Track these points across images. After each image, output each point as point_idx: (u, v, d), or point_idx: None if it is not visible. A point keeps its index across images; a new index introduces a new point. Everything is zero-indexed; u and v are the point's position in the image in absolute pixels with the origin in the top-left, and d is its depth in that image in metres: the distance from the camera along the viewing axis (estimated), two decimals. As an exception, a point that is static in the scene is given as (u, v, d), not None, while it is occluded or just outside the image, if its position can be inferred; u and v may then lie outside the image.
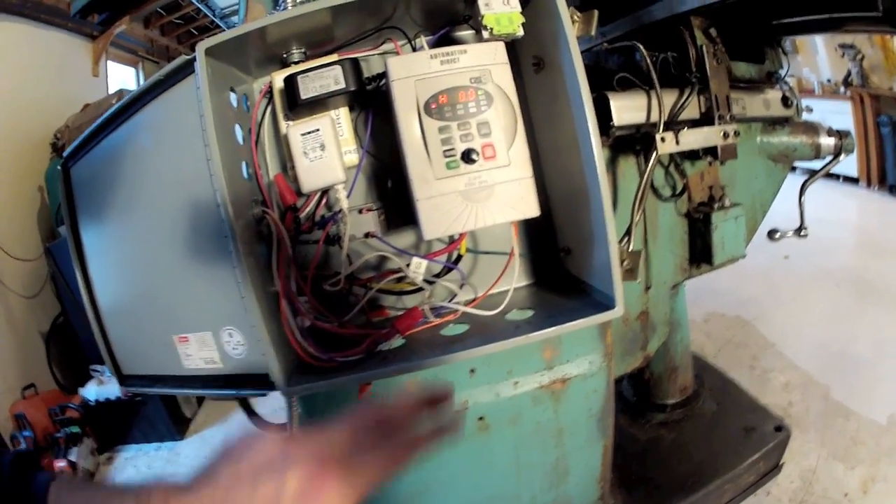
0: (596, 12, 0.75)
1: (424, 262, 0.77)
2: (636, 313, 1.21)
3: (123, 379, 1.03)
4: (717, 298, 2.78)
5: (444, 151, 0.68)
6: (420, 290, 0.80)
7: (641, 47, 1.01)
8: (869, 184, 4.34)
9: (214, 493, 0.40)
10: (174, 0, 5.30)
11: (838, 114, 4.27)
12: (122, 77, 5.02)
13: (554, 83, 0.75)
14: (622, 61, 1.20)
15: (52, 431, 2.49)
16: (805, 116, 1.41)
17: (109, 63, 4.48)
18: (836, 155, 1.30)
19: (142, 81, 5.26)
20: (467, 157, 0.67)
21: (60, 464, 2.32)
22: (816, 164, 1.33)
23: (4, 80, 3.19)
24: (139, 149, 0.87)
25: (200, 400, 2.79)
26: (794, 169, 1.43)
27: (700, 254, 1.23)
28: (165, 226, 0.86)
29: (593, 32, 0.76)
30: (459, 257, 0.80)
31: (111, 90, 4.22)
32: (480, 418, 0.94)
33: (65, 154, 1.01)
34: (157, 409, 2.52)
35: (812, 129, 1.31)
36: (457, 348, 0.71)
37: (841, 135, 1.30)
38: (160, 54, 5.81)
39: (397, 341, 0.76)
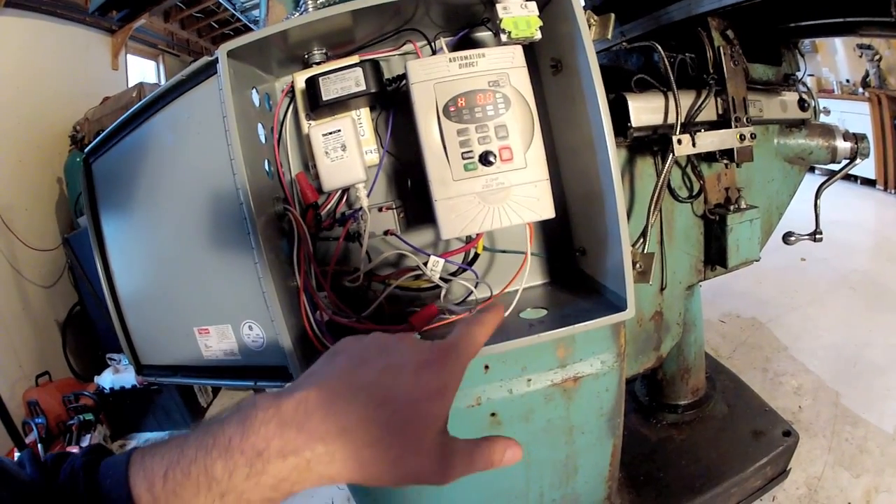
0: (612, 16, 0.75)
1: (441, 261, 0.78)
2: (650, 314, 1.22)
3: (141, 368, 1.05)
4: (734, 299, 2.78)
5: (463, 153, 0.69)
6: (437, 287, 0.82)
7: (659, 48, 1.01)
8: (886, 186, 4.29)
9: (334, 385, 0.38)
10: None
11: (856, 115, 4.22)
12: (142, 70, 5.06)
13: (571, 85, 0.76)
14: (641, 62, 1.20)
15: (65, 419, 2.51)
16: (822, 118, 1.41)
17: (129, 56, 4.53)
18: (852, 159, 1.30)
19: (162, 75, 5.31)
20: (485, 159, 0.68)
21: (72, 450, 2.34)
22: (833, 166, 1.33)
23: (23, 74, 3.23)
24: (162, 146, 0.88)
25: (216, 390, 2.82)
26: (812, 170, 1.42)
27: (715, 256, 1.23)
28: (187, 222, 0.87)
29: (609, 35, 0.76)
30: (476, 256, 0.82)
31: (131, 83, 4.27)
32: (493, 414, 0.95)
33: (86, 149, 1.03)
34: (173, 398, 2.55)
35: (828, 131, 1.31)
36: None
37: (857, 138, 1.29)
38: (180, 48, 5.84)
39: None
